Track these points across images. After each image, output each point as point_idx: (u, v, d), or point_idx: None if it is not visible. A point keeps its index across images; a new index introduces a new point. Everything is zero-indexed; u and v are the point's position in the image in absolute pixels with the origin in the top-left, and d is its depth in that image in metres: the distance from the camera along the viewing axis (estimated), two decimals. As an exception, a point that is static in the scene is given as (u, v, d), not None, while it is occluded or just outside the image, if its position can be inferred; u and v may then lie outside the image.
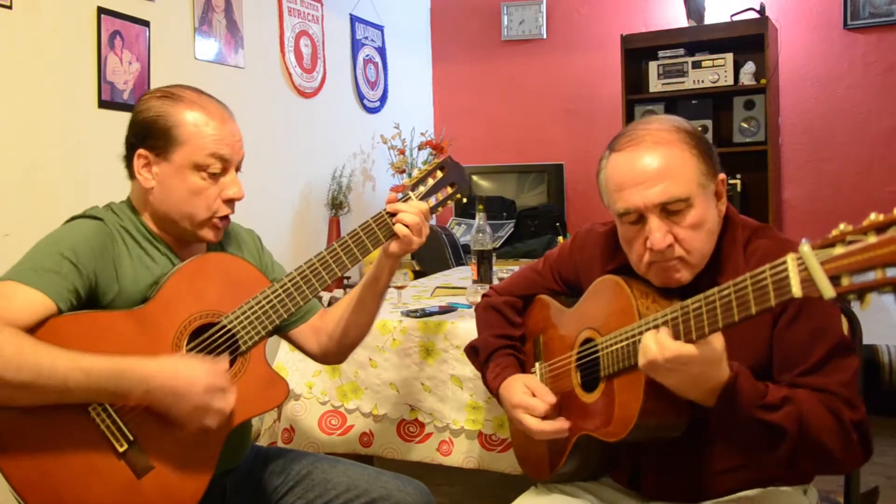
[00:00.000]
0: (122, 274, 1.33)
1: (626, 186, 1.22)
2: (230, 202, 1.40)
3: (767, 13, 4.04)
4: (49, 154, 2.65)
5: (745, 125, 4.06)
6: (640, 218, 1.23)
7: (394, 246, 1.45)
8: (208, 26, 3.35)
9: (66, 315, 1.25)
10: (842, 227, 0.85)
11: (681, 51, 4.18)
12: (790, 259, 0.91)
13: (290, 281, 1.39)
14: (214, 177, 1.36)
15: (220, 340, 1.34)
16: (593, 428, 1.30)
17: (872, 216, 0.82)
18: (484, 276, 2.41)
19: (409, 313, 2.08)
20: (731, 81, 4.07)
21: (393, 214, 1.44)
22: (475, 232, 2.44)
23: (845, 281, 0.83)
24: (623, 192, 1.23)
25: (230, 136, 1.38)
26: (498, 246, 4.17)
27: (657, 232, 1.19)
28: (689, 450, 1.29)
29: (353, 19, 4.46)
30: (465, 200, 1.57)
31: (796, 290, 0.90)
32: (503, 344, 1.55)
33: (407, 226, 1.43)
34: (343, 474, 1.51)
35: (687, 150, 1.22)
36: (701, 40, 4.15)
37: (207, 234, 1.40)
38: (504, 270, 2.59)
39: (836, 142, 4.14)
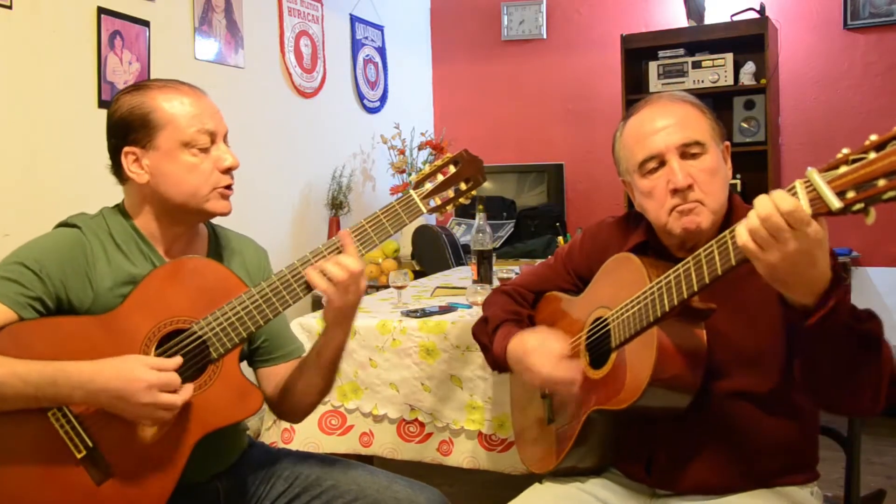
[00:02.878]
0: (97, 281, 1.31)
1: (647, 135, 1.32)
2: (228, 171, 1.36)
3: (767, 13, 4.04)
4: (49, 154, 2.65)
5: (745, 125, 4.06)
6: (660, 165, 1.30)
7: (325, 311, 1.35)
8: (208, 26, 3.35)
9: (29, 321, 1.24)
10: (844, 150, 0.92)
11: (681, 51, 4.18)
12: (798, 183, 0.97)
13: (268, 287, 1.31)
14: (205, 151, 1.34)
15: (189, 347, 1.29)
16: (604, 400, 1.31)
17: (872, 137, 0.89)
18: (484, 276, 2.41)
19: (409, 313, 2.08)
20: (731, 81, 4.07)
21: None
22: (475, 232, 2.44)
23: (850, 194, 0.90)
24: (644, 141, 1.32)
25: (209, 108, 1.36)
26: (498, 246, 4.17)
27: (679, 171, 1.27)
28: (702, 438, 1.30)
29: (353, 19, 4.46)
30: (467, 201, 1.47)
31: (806, 207, 0.95)
32: (513, 318, 1.56)
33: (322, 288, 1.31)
34: (353, 481, 1.43)
35: (698, 109, 1.35)
36: (701, 40, 4.15)
37: (217, 205, 1.36)
38: (504, 270, 2.59)
39: (836, 142, 4.12)
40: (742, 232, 1.02)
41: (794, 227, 0.97)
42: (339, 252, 1.33)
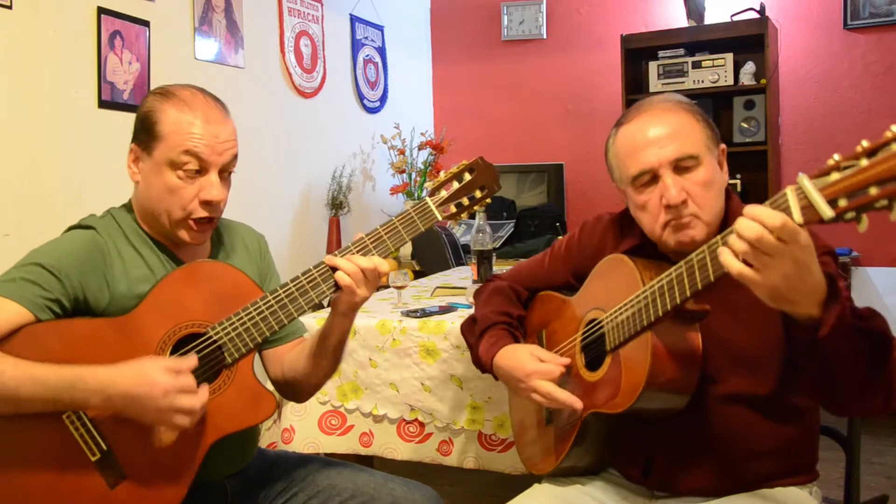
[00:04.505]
0: (114, 282, 1.32)
1: (640, 149, 1.29)
2: (208, 205, 1.34)
3: (767, 13, 4.04)
4: (49, 154, 2.65)
5: (745, 125, 4.06)
6: (653, 178, 1.28)
7: (342, 298, 1.35)
8: (208, 26, 3.35)
9: (44, 323, 1.24)
10: (836, 157, 0.90)
11: (681, 51, 4.18)
12: (789, 190, 0.95)
13: (284, 292, 1.32)
14: (192, 177, 1.32)
15: (204, 352, 1.29)
16: (601, 403, 1.31)
17: (864, 143, 0.87)
18: (484, 276, 2.41)
19: (409, 313, 2.08)
20: (731, 81, 4.06)
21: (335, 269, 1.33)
22: (475, 232, 2.44)
23: (842, 202, 0.88)
24: (637, 155, 1.29)
25: (211, 136, 1.32)
26: (498, 246, 4.16)
27: (672, 187, 1.25)
28: (699, 442, 1.30)
29: (353, 19, 4.46)
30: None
31: (797, 216, 0.93)
32: (501, 320, 1.55)
33: (349, 274, 1.32)
34: (349, 480, 1.46)
35: (692, 116, 1.31)
36: (701, 40, 4.14)
37: (183, 234, 1.35)
38: (504, 270, 2.59)
39: (836, 142, 4.14)
40: (733, 263, 0.99)
41: (787, 242, 0.95)
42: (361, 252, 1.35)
